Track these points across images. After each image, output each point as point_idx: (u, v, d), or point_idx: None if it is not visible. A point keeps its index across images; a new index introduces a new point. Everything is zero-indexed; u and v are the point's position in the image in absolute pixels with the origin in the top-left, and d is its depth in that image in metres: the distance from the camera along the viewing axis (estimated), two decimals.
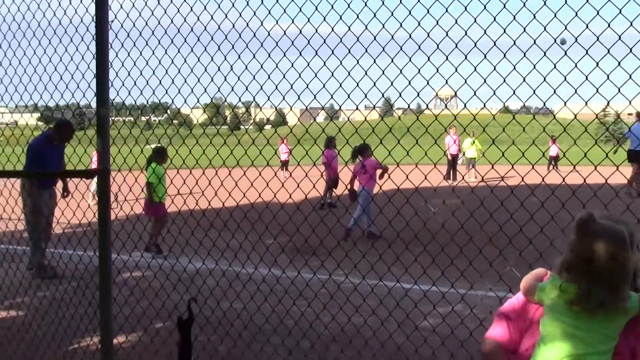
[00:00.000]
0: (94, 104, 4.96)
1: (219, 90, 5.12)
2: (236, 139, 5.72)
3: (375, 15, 4.44)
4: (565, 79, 3.85)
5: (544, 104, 4.13)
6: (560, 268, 3.03)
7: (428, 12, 4.42)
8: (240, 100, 5.13)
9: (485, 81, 4.19)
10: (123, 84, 5.49)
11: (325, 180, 18.48)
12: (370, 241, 12.76)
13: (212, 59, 5.04)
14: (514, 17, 4.00)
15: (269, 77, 4.84)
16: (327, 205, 18.17)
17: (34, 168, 10.23)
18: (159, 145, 11.43)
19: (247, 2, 4.89)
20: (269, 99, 5.06)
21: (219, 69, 5.01)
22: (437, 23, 4.25)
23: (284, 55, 4.81)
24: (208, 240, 6.62)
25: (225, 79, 4.99)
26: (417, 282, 6.25)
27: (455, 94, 4.49)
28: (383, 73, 4.58)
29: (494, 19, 4.10)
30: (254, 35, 4.87)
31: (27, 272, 10.70)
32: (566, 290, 2.96)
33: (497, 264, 6.53)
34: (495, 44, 4.09)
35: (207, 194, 5.55)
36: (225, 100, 5.23)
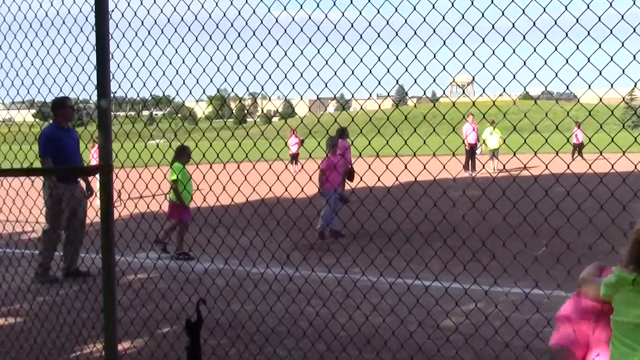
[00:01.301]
0: (94, 98, 5.01)
1: (225, 80, 5.16)
2: (244, 132, 5.77)
3: None
4: (589, 60, 3.87)
5: (567, 88, 4.16)
6: (628, 261, 3.03)
7: None
8: (247, 90, 5.17)
9: (504, 65, 4.22)
10: (125, 76, 5.54)
11: (337, 171, 18.49)
12: (320, 240, 12.76)
13: (217, 48, 5.08)
14: None
15: (277, 66, 4.87)
16: (340, 198, 18.19)
17: (53, 158, 10.29)
18: (183, 145, 11.47)
19: None
20: (278, 88, 5.10)
21: (225, 59, 5.05)
22: (453, 5, 4.27)
23: (293, 42, 4.84)
24: (217, 238, 6.67)
25: (232, 69, 5.03)
26: (437, 278, 6.28)
27: (473, 79, 4.52)
28: (397, 59, 4.61)
29: None
30: (261, 22, 4.91)
31: (61, 274, 10.80)
32: None
33: (522, 257, 6.55)
34: (514, 25, 4.11)
35: (215, 190, 5.60)
36: (233, 90, 5.27)
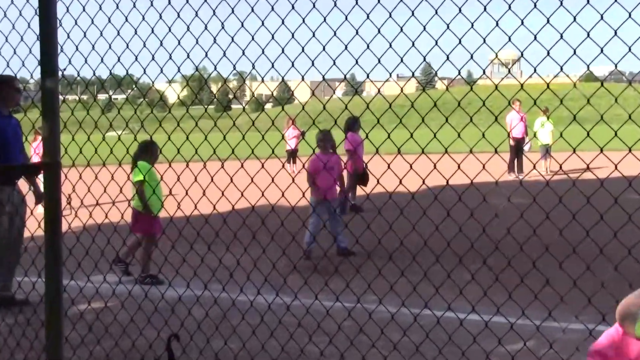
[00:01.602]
0: (37, 77, 5.01)
1: (206, 55, 5.16)
2: (229, 122, 5.76)
3: None
4: None
5: None
6: None
7: None
8: (234, 68, 5.17)
9: (562, 37, 4.20)
10: (77, 49, 5.54)
11: (349, 172, 18.38)
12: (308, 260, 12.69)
13: (196, 14, 5.07)
14: None
15: (272, 38, 4.87)
16: (352, 207, 18.11)
17: None
18: (148, 140, 11.36)
19: None
20: (272, 66, 5.09)
21: (205, 28, 5.04)
22: None
23: (292, 8, 4.83)
24: (194, 257, 6.66)
25: (215, 41, 5.03)
26: (475, 308, 6.27)
27: (522, 55, 4.51)
28: (424, 29, 4.60)
29: None
30: None
31: None
32: None
33: (584, 282, 6.53)
34: None
35: (192, 195, 5.60)
36: (215, 69, 5.26)
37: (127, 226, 12.15)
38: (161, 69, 5.30)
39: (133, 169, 12.11)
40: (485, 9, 4.42)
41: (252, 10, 4.88)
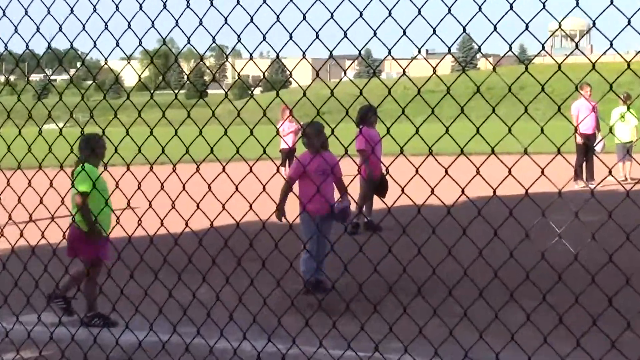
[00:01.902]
0: None
1: (177, 24, 5.17)
2: (207, 112, 5.78)
3: None
4: None
5: None
6: None
7: None
8: (214, 42, 5.19)
9: None
10: (4, 13, 5.56)
11: (364, 178, 18.36)
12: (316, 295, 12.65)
13: None
14: None
15: (264, 2, 4.89)
16: (368, 225, 18.10)
17: None
18: (90, 133, 11.31)
19: None
20: (264, 39, 5.11)
21: None
22: None
23: None
24: (158, 289, 6.68)
25: (188, 5, 5.05)
26: (531, 359, 6.28)
27: (594, 24, 4.52)
28: None
29: None
30: None
31: None
32: None
33: None
34: None
35: (158, 208, 5.62)
36: (189, 42, 5.29)
37: (69, 250, 12.12)
38: (117, 41, 5.32)
39: (77, 174, 12.08)
40: None
41: None
